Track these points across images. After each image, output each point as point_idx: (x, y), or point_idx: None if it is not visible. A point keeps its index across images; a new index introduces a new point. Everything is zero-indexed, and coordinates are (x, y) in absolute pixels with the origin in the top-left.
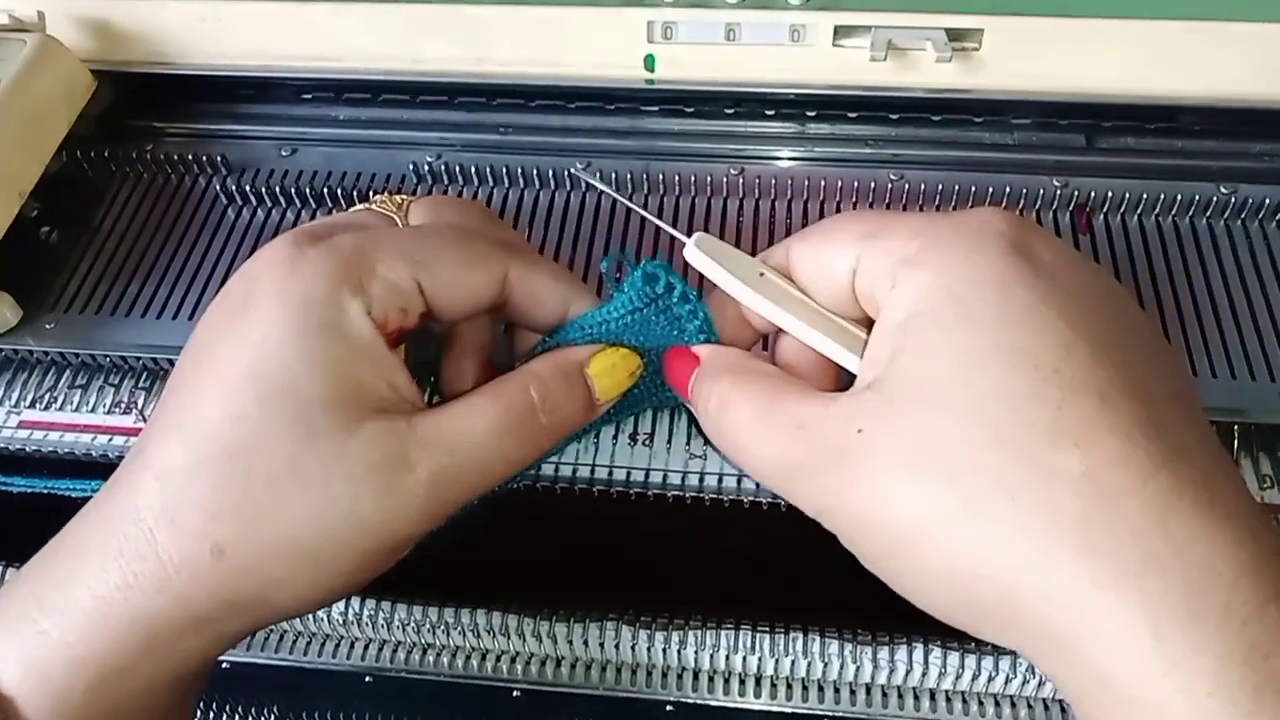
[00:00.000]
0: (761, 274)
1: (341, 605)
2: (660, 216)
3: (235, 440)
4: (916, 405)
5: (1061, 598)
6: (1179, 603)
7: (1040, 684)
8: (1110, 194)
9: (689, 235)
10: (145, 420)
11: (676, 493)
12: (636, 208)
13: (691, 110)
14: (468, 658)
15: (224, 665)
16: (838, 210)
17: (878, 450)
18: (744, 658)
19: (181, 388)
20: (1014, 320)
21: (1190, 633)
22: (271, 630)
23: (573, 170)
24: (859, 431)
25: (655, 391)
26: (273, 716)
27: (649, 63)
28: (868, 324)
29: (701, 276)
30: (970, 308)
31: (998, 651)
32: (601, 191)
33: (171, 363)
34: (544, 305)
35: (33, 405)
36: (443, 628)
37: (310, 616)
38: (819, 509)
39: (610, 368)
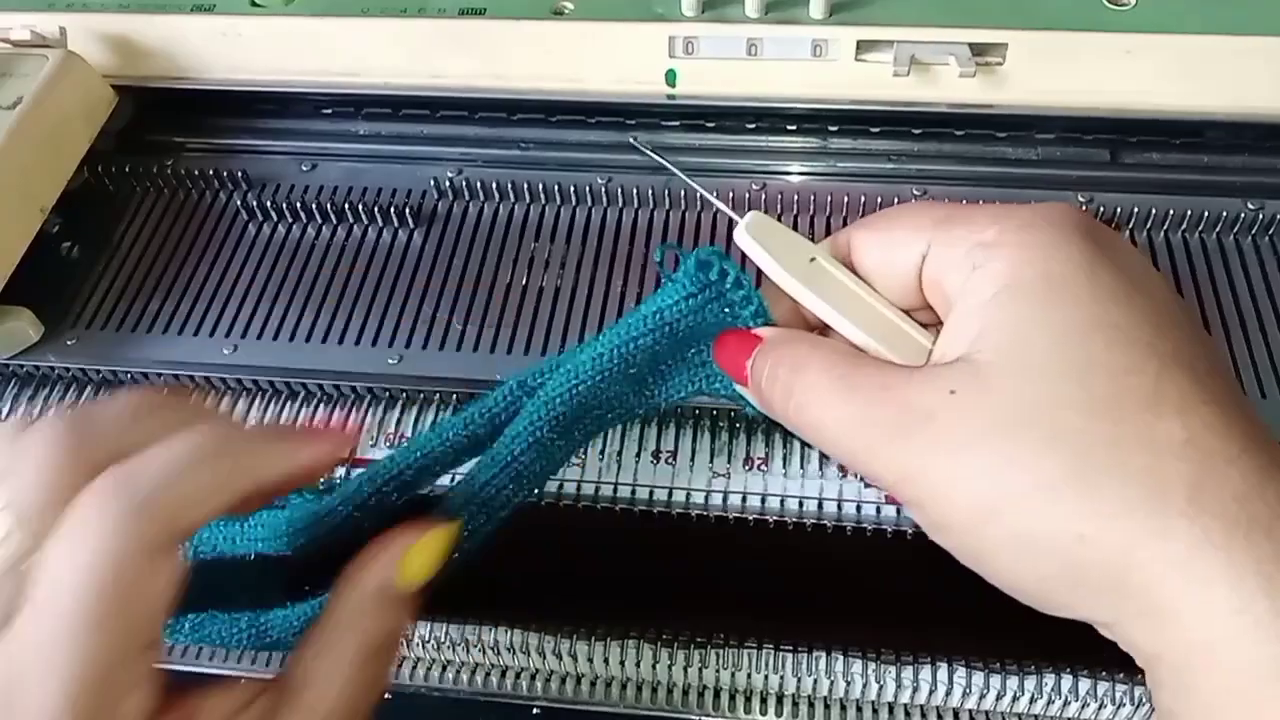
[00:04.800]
0: (813, 259)
1: None
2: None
3: None
4: (1014, 373)
5: (1174, 559)
6: None
7: (1065, 704)
8: (1135, 210)
9: (734, 228)
10: None
11: (699, 511)
12: (692, 182)
13: (713, 125)
14: (487, 674)
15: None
16: None
17: (973, 413)
18: (766, 676)
19: None
20: (1106, 299)
21: None
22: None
23: (631, 140)
24: (951, 392)
25: (703, 382)
26: None
27: (670, 78)
28: (921, 320)
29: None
30: (1063, 284)
31: (1022, 671)
32: (660, 165)
33: (194, 379)
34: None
35: None
36: (462, 645)
37: None
38: (900, 475)
39: (417, 552)
